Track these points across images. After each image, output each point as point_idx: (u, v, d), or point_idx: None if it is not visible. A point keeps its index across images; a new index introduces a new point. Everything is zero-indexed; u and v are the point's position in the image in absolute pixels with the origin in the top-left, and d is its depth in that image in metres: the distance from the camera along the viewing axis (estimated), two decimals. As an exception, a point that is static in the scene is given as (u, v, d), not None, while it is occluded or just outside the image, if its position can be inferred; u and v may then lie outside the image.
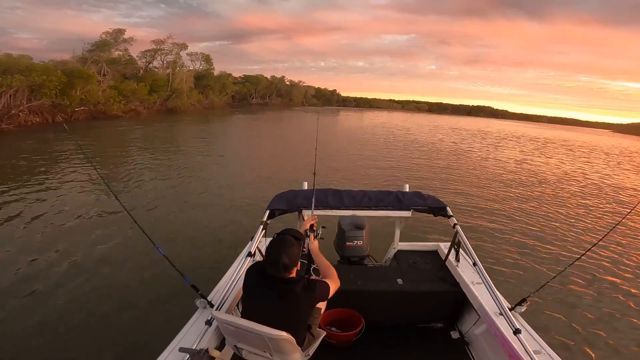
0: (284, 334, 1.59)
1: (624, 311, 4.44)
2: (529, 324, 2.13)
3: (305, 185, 3.31)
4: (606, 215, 9.19)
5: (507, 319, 1.97)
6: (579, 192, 11.66)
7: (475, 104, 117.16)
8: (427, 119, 56.87)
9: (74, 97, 20.57)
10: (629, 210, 4.86)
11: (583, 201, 10.37)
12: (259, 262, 2.00)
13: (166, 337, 1.90)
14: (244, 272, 2.17)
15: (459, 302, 2.72)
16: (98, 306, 3.75)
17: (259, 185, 9.05)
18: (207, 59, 41.22)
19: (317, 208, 2.81)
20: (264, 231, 2.51)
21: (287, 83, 63.84)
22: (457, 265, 2.82)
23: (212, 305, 2.09)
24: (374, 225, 3.60)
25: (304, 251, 2.87)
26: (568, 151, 25.83)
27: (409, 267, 3.00)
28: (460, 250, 2.85)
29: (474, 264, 2.29)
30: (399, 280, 2.76)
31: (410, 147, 19.47)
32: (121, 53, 29.35)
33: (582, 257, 2.59)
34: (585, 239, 7.04)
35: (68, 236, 5.40)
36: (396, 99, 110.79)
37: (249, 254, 2.29)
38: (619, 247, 6.58)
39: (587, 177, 14.93)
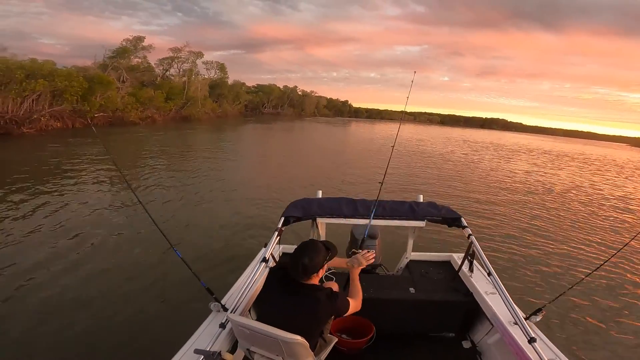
0: (298, 338, 1.60)
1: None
2: (544, 334, 2.10)
3: (320, 194, 3.33)
4: (624, 225, 9.01)
5: (522, 328, 1.93)
6: (594, 204, 11.42)
7: (488, 116, 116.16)
8: (440, 131, 56.54)
9: (94, 103, 21.18)
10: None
11: (598, 212, 10.17)
12: (281, 267, 2.01)
13: (180, 338, 1.93)
14: (259, 277, 2.20)
15: (471, 312, 2.69)
16: (114, 305, 3.82)
17: (273, 193, 9.12)
18: (221, 67, 42.02)
19: (331, 216, 2.83)
20: (278, 238, 2.54)
21: (300, 93, 64.46)
22: (470, 276, 2.80)
23: (225, 309, 2.12)
24: (386, 234, 3.60)
25: (331, 269, 2.87)
26: (583, 164, 25.39)
27: (421, 276, 2.99)
28: (474, 260, 2.83)
29: (489, 274, 2.26)
30: (411, 289, 2.75)
31: (424, 158, 19.37)
32: (140, 60, 30.22)
33: (600, 267, 2.55)
34: (603, 249, 6.93)
35: (88, 234, 5.52)
36: (408, 111, 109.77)
37: (264, 260, 2.31)
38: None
39: (602, 189, 14.60)
